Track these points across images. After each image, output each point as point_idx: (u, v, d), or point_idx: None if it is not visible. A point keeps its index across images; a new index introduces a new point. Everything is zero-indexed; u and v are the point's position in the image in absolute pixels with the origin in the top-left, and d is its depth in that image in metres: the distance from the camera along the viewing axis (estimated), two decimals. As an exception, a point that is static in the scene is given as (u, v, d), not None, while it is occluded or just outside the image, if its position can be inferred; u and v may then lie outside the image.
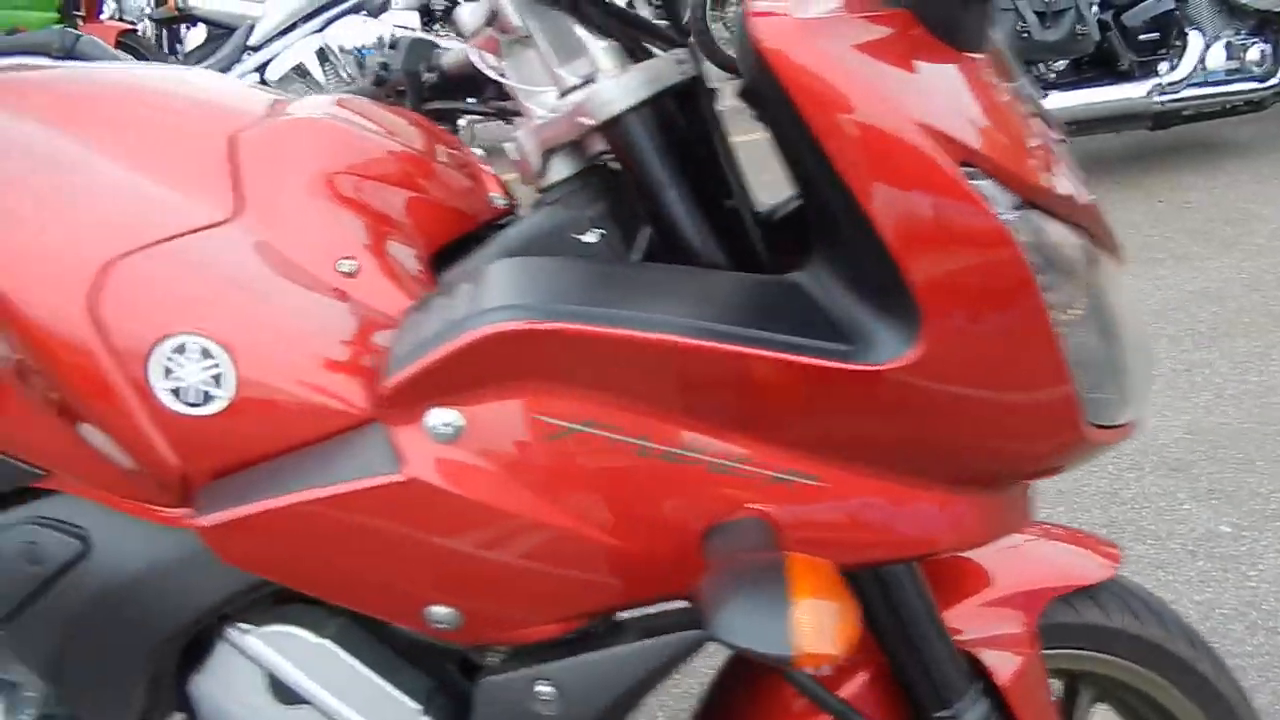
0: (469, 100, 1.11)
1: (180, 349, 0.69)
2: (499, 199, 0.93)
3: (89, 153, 0.79)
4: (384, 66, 1.10)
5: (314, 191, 0.80)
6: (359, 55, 3.56)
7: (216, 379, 0.69)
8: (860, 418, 0.64)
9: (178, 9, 4.49)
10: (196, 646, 0.81)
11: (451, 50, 1.08)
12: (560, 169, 0.86)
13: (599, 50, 0.77)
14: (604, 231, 0.85)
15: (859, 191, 0.59)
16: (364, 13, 3.58)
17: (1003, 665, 0.90)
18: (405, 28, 3.73)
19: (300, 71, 3.52)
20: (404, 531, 0.66)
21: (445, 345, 0.62)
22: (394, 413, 0.64)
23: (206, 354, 0.69)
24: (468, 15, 0.91)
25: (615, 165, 0.85)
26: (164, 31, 6.87)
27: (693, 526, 0.66)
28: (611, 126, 0.76)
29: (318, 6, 3.50)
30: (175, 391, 0.70)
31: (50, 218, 0.74)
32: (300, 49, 3.51)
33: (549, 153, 0.85)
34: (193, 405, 0.70)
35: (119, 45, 4.87)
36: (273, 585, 0.75)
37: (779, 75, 0.59)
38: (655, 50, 0.85)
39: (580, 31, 0.85)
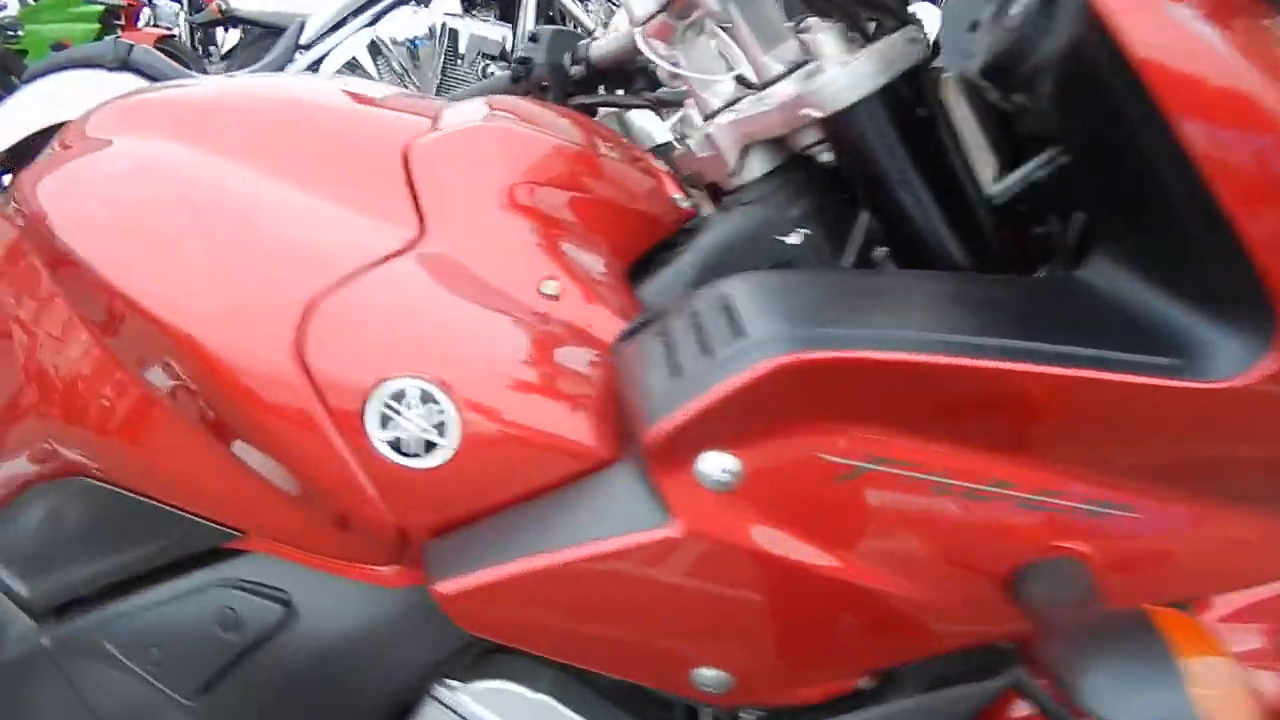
0: (617, 92, 1.03)
1: (399, 395, 0.62)
2: (681, 199, 0.85)
3: (261, 179, 0.72)
4: (523, 61, 1.02)
5: (501, 205, 0.73)
6: (411, 46, 3.48)
7: (439, 426, 0.62)
8: (1192, 440, 0.56)
9: (220, 12, 4.43)
10: (401, 705, 0.75)
11: (598, 40, 1.00)
12: (757, 165, 0.79)
13: (823, 33, 0.69)
14: (808, 231, 0.78)
15: (1217, 177, 0.51)
16: (413, 3, 3.50)
17: (1265, 685, 0.82)
18: (453, 14, 3.65)
19: (352, 66, 3.45)
20: (676, 589, 0.58)
21: (723, 384, 0.55)
22: (661, 459, 0.57)
23: (428, 399, 0.62)
24: (639, 1, 0.84)
25: (823, 159, 0.77)
26: (196, 35, 6.84)
27: (997, 570, 0.58)
28: (842, 118, 0.68)
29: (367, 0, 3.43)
30: (394, 443, 0.63)
31: (237, 257, 0.68)
32: (352, 44, 3.43)
33: (747, 148, 0.78)
34: (413, 456, 0.63)
35: (158, 51, 4.82)
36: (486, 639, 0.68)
37: (1129, 46, 0.51)
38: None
39: (778, 14, 0.77)
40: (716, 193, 0.86)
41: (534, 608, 0.60)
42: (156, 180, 0.75)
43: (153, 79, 3.38)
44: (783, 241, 0.77)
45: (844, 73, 0.66)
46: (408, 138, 0.75)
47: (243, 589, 0.72)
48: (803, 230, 0.77)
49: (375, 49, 3.47)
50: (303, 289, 0.64)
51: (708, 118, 0.85)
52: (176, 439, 0.71)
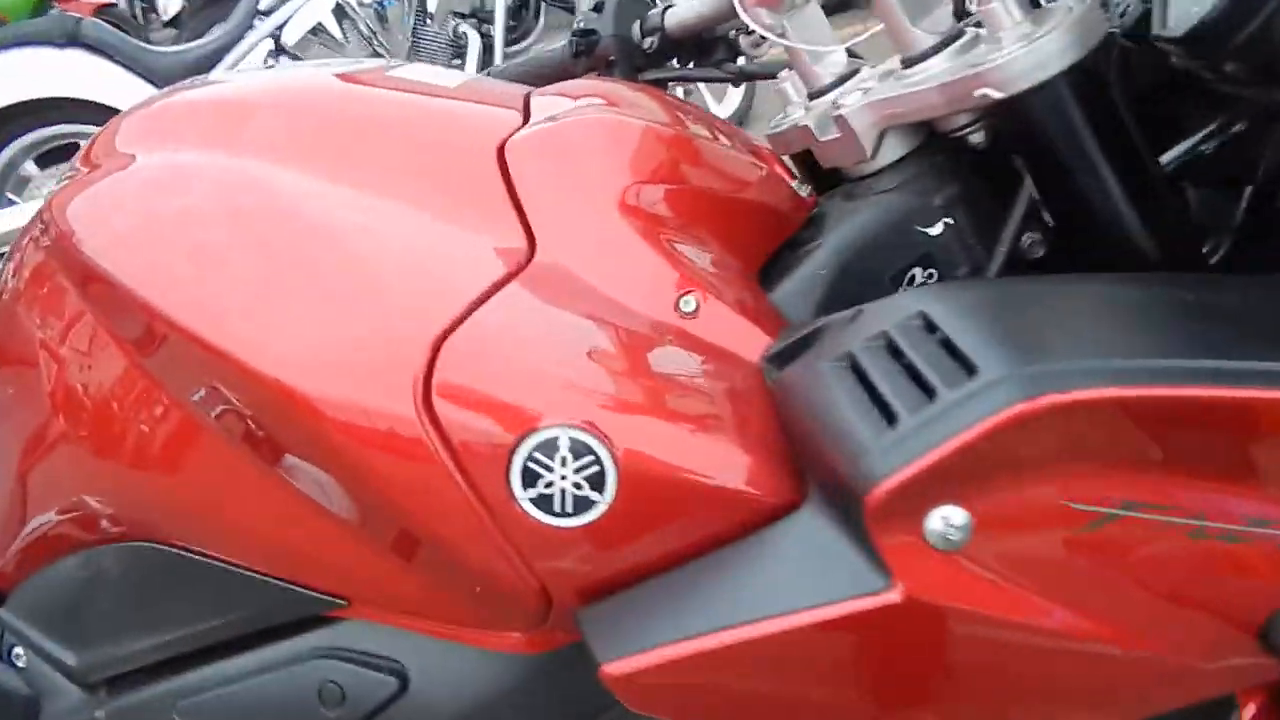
0: (690, 66, 0.93)
1: (548, 446, 0.53)
2: (799, 187, 0.76)
3: (330, 188, 0.62)
4: (586, 33, 0.92)
5: (618, 209, 0.63)
6: (379, 8, 3.31)
7: (594, 479, 0.54)
8: None
9: (166, -24, 4.20)
10: None
11: (674, 7, 0.90)
12: (893, 148, 0.70)
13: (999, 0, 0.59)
14: (951, 220, 0.70)
15: None
16: (377, -39, 3.33)
17: None
18: (420, -28, 3.48)
19: (317, 32, 3.27)
20: (892, 658, 0.51)
21: (959, 435, 0.46)
22: (884, 519, 0.49)
23: (580, 449, 0.53)
24: (746, -37, 0.74)
25: (972, 140, 0.69)
26: (137, 2, 6.54)
27: (1251, 616, 0.51)
28: (1025, 99, 0.59)
29: (329, -41, 3.24)
30: (541, 500, 0.54)
31: (342, 294, 0.58)
32: (316, 8, 3.24)
33: (884, 131, 0.69)
34: (564, 515, 0.54)
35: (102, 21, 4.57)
36: None
37: None
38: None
39: None
40: (821, 176, 0.78)
41: (725, 684, 0.52)
42: (203, 193, 0.64)
43: (104, 54, 3.20)
44: (925, 233, 0.69)
45: (1033, 49, 0.58)
46: (499, 134, 0.65)
47: (347, 660, 0.63)
48: (946, 219, 0.69)
49: (341, 12, 3.29)
50: (421, 331, 0.55)
51: (815, 94, 0.76)
52: (258, 497, 0.61)
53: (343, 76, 0.74)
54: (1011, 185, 0.68)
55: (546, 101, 0.71)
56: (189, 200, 0.65)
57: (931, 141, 0.70)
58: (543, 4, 4.23)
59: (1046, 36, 0.58)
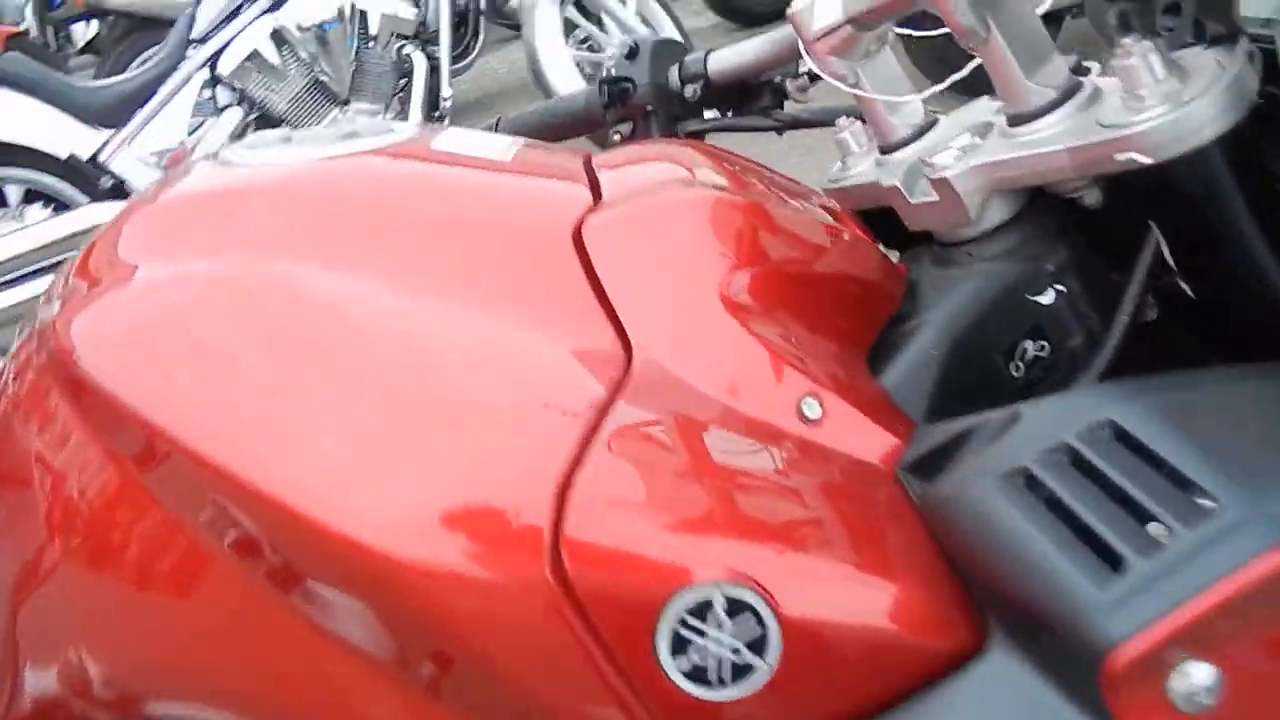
0: (730, 115, 0.85)
1: (700, 609, 0.45)
2: (889, 253, 0.70)
3: (411, 299, 0.53)
4: (617, 80, 0.84)
5: (721, 302, 0.56)
6: (320, 31, 3.17)
7: (756, 644, 0.46)
8: None
9: (86, 5, 4.00)
10: None
11: (716, 53, 0.82)
12: (998, 211, 0.64)
13: (1142, 55, 0.53)
14: (1063, 288, 0.64)
15: None
16: (317, -18, 3.19)
17: None
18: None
19: (254, 60, 3.12)
20: None
21: (1214, 588, 0.40)
22: (1123, 682, 0.42)
23: (737, 608, 0.46)
24: (820, 9, 0.67)
25: (1087, 201, 0.63)
26: (48, 31, 6.26)
27: None
28: (1177, 164, 0.53)
29: (264, -18, 3.10)
30: (694, 672, 0.46)
31: (419, 424, 0.49)
32: (253, 35, 3.09)
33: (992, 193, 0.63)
34: (720, 686, 0.46)
35: (8, 49, 4.36)
36: None
37: None
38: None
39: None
40: (894, 234, 0.71)
41: None
42: (222, 304, 0.55)
43: (28, 91, 3.02)
44: (1036, 302, 0.64)
45: (1187, 112, 0.51)
46: (571, 215, 0.57)
47: None
48: (1058, 286, 0.64)
49: (279, 38, 3.15)
50: (542, 466, 0.46)
51: (890, 149, 0.70)
52: (320, 669, 0.52)
53: (380, 152, 0.65)
54: (1121, 245, 0.63)
55: (617, 174, 0.63)
56: (208, 313, 0.55)
57: (1037, 202, 0.64)
58: (481, 20, 4.12)
59: (1201, 99, 0.51)
